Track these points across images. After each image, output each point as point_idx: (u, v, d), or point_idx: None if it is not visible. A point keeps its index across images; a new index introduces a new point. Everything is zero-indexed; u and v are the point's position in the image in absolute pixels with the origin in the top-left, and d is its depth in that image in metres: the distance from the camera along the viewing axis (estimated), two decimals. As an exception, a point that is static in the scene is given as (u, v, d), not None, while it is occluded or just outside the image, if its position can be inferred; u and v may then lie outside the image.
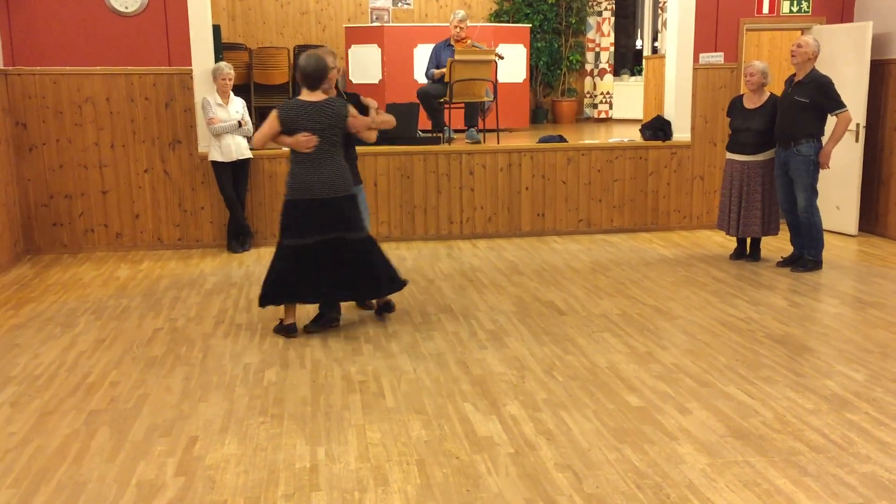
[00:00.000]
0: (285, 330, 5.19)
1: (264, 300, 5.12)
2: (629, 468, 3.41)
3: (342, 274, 5.08)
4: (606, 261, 7.21)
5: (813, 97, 6.46)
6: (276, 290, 5.07)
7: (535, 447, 3.62)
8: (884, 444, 3.60)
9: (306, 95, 5.00)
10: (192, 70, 7.59)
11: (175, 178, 7.77)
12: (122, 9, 7.45)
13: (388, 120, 5.56)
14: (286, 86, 10.83)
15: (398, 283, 5.37)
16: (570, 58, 13.14)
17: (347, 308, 5.64)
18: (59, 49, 7.42)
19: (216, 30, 8.60)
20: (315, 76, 4.97)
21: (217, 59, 7.91)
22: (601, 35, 13.26)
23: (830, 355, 4.74)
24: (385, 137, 8.29)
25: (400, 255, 7.50)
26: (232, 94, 7.53)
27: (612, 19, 13.32)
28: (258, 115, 8.96)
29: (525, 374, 4.51)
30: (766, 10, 8.43)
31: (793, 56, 6.61)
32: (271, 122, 4.97)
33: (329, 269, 5.04)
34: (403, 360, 4.73)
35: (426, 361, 4.72)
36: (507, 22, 12.58)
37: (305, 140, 4.92)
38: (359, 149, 8.07)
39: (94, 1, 7.42)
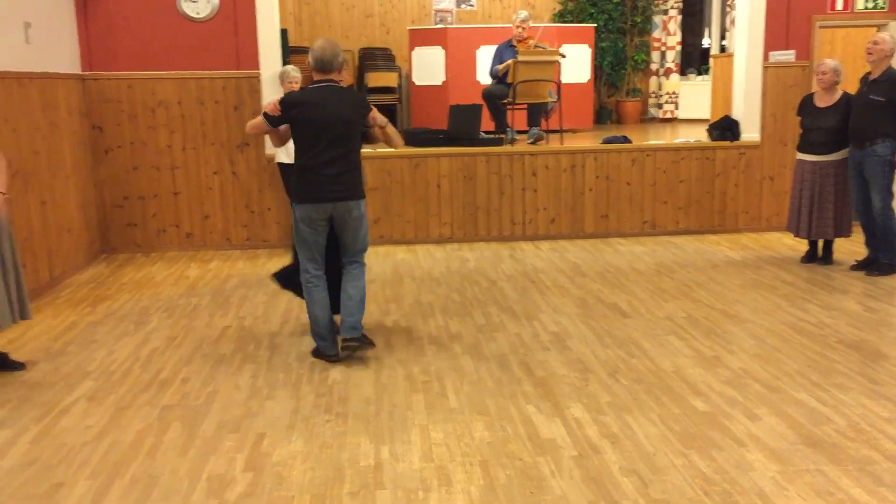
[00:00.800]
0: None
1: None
2: (696, 474, 3.36)
3: None
4: (671, 263, 7.10)
5: (889, 95, 6.26)
6: None
7: (599, 450, 3.59)
8: (965, 455, 3.47)
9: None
10: (260, 74, 7.75)
11: (243, 180, 7.94)
12: (193, 14, 7.65)
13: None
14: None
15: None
16: (636, 57, 12.99)
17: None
18: (133, 54, 7.66)
19: (283, 34, 8.76)
20: (327, 65, 4.62)
21: (284, 63, 8.06)
22: (667, 34, 13.08)
23: (908, 362, 4.58)
24: (448, 139, 8.35)
25: (463, 256, 7.52)
26: (298, 97, 7.64)
27: (679, 17, 13.12)
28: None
29: (588, 376, 4.48)
30: (839, 6, 8.20)
31: (868, 54, 6.41)
32: None
33: None
34: (466, 361, 4.75)
35: (488, 362, 4.72)
36: (571, 22, 12.49)
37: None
38: (422, 150, 8.18)
39: (166, 7, 7.64)
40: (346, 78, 4.73)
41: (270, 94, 7.63)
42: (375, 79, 11.42)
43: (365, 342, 4.82)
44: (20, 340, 5.24)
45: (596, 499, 3.18)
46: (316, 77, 4.63)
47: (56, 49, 7.06)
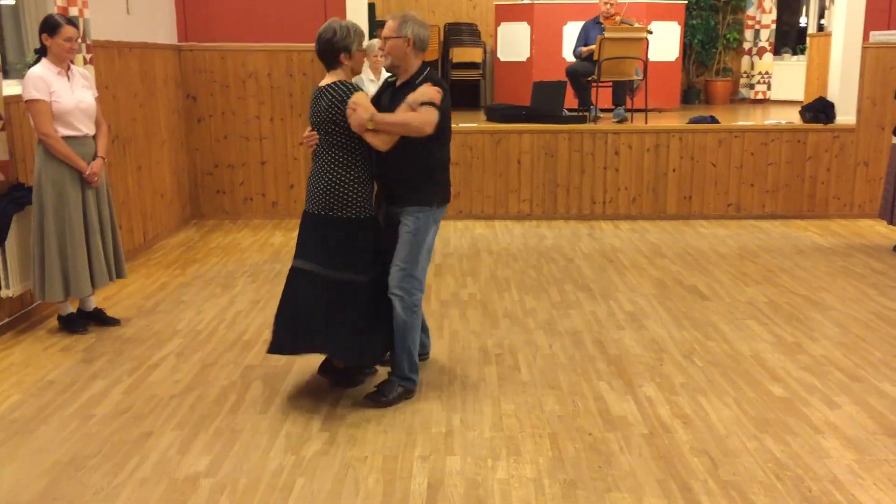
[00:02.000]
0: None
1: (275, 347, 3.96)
2: (769, 458, 3.32)
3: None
4: (755, 247, 6.94)
5: None
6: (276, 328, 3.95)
7: (670, 430, 3.58)
8: None
9: (326, 77, 3.83)
10: (347, 47, 7.86)
11: (327, 152, 8.09)
12: (284, -12, 7.81)
13: (402, 121, 3.66)
14: (436, 63, 11.01)
15: (359, 359, 4.00)
16: (728, 35, 12.62)
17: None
18: (226, 26, 7.88)
19: (371, 8, 8.86)
20: (319, 50, 3.76)
21: (371, 37, 8.16)
22: (762, 12, 12.64)
23: None
24: (531, 116, 8.33)
25: (541, 233, 7.52)
26: (384, 70, 7.74)
27: (775, -5, 12.66)
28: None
29: (663, 356, 4.45)
30: (949, -17, 7.79)
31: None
32: None
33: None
34: (539, 336, 4.78)
35: (562, 338, 4.74)
36: (662, -2, 12.20)
37: (306, 137, 3.89)
38: (504, 126, 8.17)
39: (259, -19, 7.83)
40: (356, 64, 3.79)
41: (356, 68, 7.74)
42: (460, 54, 11.43)
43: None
44: (115, 297, 5.51)
45: (664, 477, 3.19)
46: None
47: (155, 20, 7.33)
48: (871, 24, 7.87)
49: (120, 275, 5.00)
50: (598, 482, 3.14)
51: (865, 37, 7.90)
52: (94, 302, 5.01)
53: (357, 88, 3.67)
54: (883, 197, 6.75)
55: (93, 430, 3.60)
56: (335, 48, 3.71)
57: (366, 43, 7.79)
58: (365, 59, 7.65)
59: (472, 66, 11.48)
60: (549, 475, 3.20)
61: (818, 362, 4.36)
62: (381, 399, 3.83)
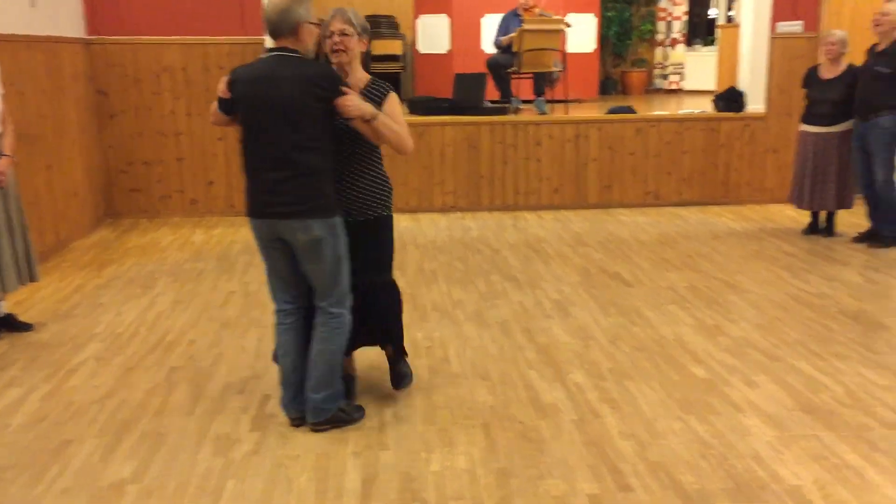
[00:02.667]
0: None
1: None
2: (694, 438, 3.42)
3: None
4: (674, 234, 7.13)
5: (895, 67, 6.24)
6: None
7: (599, 415, 3.65)
8: (960, 422, 3.52)
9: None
10: (264, 40, 7.72)
11: (247, 147, 7.94)
12: (198, -21, 7.61)
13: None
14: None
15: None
16: (642, 27, 12.91)
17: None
18: (138, 20, 7.63)
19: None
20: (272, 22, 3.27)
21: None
22: (673, 4, 12.98)
23: (906, 333, 4.63)
24: (453, 108, 8.34)
25: (466, 225, 7.55)
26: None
27: (686, -12, 13.01)
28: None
29: (590, 343, 4.53)
30: (848, -24, 8.13)
31: (876, 25, 6.39)
32: None
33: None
34: (469, 328, 4.80)
35: (491, 329, 4.77)
36: (578, -9, 12.39)
37: None
38: (426, 119, 8.18)
39: (171, -28, 7.61)
40: (307, 44, 3.33)
41: (275, 61, 7.62)
42: (380, 46, 11.37)
43: (342, 420, 3.56)
44: (28, 302, 5.29)
45: (595, 461, 3.24)
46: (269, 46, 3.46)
47: (61, 13, 7.04)
48: (777, 15, 8.16)
49: (32, 278, 4.79)
50: (531, 469, 3.18)
51: (772, 28, 8.18)
52: (4, 307, 4.79)
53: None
54: (792, 182, 7.02)
55: (9, 439, 3.44)
56: (287, 24, 3.26)
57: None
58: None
59: (392, 58, 11.44)
60: (482, 465, 3.22)
61: (737, 343, 4.50)
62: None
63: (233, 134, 7.91)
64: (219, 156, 7.92)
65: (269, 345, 4.54)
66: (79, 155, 7.21)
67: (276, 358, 3.68)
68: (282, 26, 3.24)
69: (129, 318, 5.01)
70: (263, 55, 3.42)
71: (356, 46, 3.44)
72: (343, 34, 3.39)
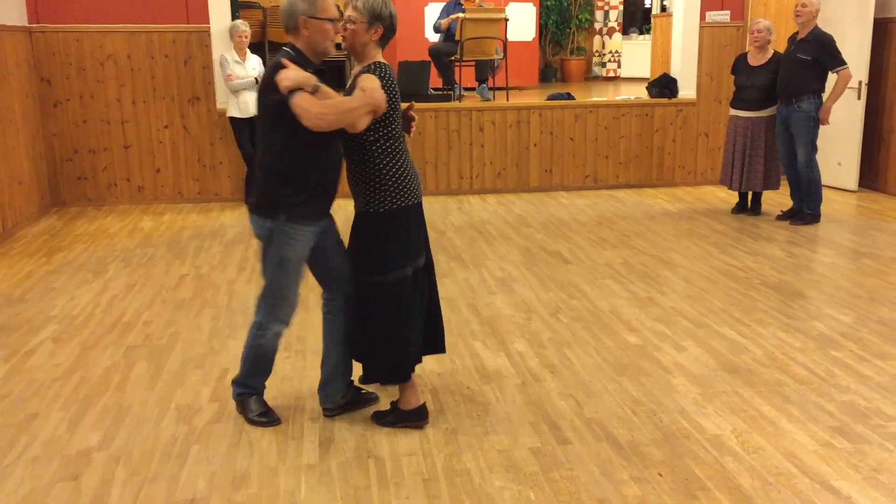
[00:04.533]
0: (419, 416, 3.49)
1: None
2: (626, 397, 3.71)
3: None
4: (612, 214, 7.46)
5: (815, 54, 6.64)
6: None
7: (540, 379, 3.91)
8: (864, 376, 3.88)
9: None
10: (209, 28, 7.80)
11: (194, 134, 8.02)
12: (141, -33, 7.64)
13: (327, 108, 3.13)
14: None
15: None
16: (580, 16, 13.24)
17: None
18: (81, 7, 7.63)
19: (232, -12, 8.77)
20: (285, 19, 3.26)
21: (234, 18, 8.11)
22: (611, -7, 13.33)
23: (821, 300, 5.00)
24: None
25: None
26: (249, 51, 7.74)
27: (622, -22, 13.38)
28: (273, 73, 9.15)
29: (532, 316, 4.80)
30: (772, -32, 8.54)
31: (797, 15, 6.77)
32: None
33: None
34: (417, 304, 5.01)
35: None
36: (518, -20, 12.66)
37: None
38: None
39: (114, -40, 7.62)
40: (311, 40, 3.26)
41: (220, 49, 7.71)
42: (324, 35, 11.45)
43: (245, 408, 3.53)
44: (-21, 288, 5.34)
45: (536, 419, 3.50)
46: None
47: (2, 1, 7.01)
48: (706, 5, 8.54)
49: (-15, 263, 4.86)
50: (478, 428, 3.42)
51: (702, 17, 8.56)
52: (-43, 293, 4.85)
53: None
54: (722, 164, 7.39)
55: (-27, 417, 3.56)
56: (291, 18, 3.22)
57: (229, 24, 7.77)
58: (230, 39, 7.64)
59: (336, 46, 11.52)
60: (432, 426, 3.45)
61: (667, 313, 4.82)
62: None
63: (179, 121, 8.00)
64: (165, 143, 7.98)
65: (223, 323, 4.71)
66: (23, 143, 7.21)
67: None
68: (286, 22, 3.22)
69: (83, 302, 5.10)
70: None
71: (362, 35, 3.23)
72: (350, 21, 3.23)
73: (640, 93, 9.37)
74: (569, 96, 8.83)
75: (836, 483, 2.98)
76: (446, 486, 3.00)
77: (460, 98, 8.86)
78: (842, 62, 6.64)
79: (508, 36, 9.16)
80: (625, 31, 13.83)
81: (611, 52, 13.47)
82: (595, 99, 9.06)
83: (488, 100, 8.83)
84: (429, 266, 3.52)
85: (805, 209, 6.97)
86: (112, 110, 7.86)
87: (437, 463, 3.15)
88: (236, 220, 7.32)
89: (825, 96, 6.74)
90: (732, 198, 7.77)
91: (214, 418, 3.53)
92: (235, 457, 3.22)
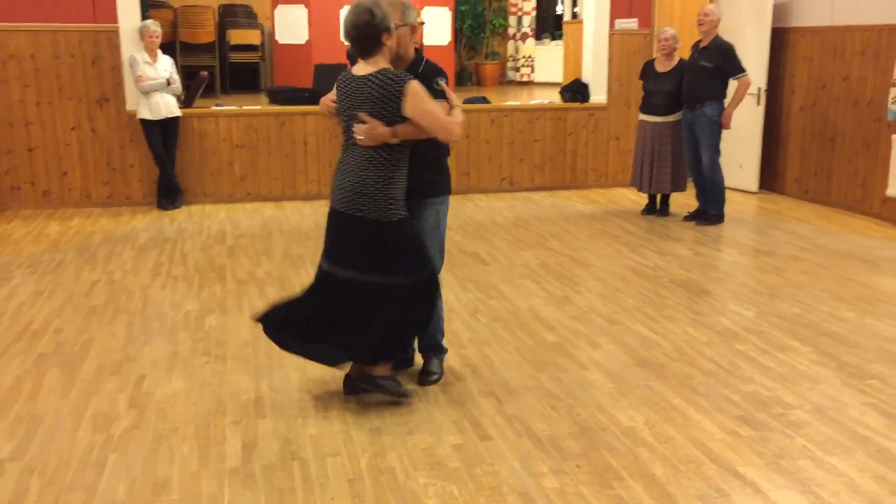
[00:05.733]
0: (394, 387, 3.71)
1: (263, 319, 3.69)
2: (545, 393, 3.81)
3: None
4: (528, 216, 7.61)
5: (716, 62, 6.94)
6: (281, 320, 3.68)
7: (461, 378, 3.98)
8: (766, 368, 4.10)
9: (358, 67, 3.51)
10: (118, 28, 7.60)
11: (103, 136, 7.80)
12: (45, -36, 7.39)
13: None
14: (212, 45, 10.83)
15: (394, 350, 3.76)
16: (494, 21, 13.44)
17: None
18: (-20, 4, 7.34)
19: (142, -13, 8.57)
20: (356, 37, 3.41)
21: (143, 18, 7.93)
22: (523, -1, 13.58)
23: (726, 296, 5.25)
24: (314, 98, 8.49)
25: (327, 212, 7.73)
26: (160, 52, 7.59)
27: (534, -16, 13.65)
28: (185, 75, 8.99)
29: (452, 316, 4.87)
30: (677, -22, 8.87)
31: (700, 24, 7.06)
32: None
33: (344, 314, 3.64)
34: (337, 306, 5.02)
35: (359, 307, 5.01)
36: (432, -15, 12.76)
37: (362, 129, 3.46)
38: (288, 108, 8.28)
39: (16, -45, 7.35)
40: (397, 42, 3.54)
41: (130, 50, 7.52)
42: (237, 36, 11.31)
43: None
44: None
45: (458, 417, 3.57)
46: None
47: None
48: (615, 12, 8.80)
49: None
50: (401, 427, 3.47)
51: (611, 24, 8.83)
52: None
53: (411, 77, 3.42)
54: (632, 167, 7.65)
55: None
56: (377, 30, 3.37)
57: (139, 24, 7.59)
58: (140, 40, 7.47)
59: (250, 48, 11.41)
60: (356, 426, 3.48)
61: (583, 311, 4.97)
62: (433, 377, 3.93)
63: (87, 124, 7.77)
64: (73, 146, 7.73)
65: (139, 329, 4.62)
66: (-81, 145, 6.88)
67: None
68: (365, 38, 3.47)
69: (-12, 310, 4.92)
70: None
71: (404, 39, 3.60)
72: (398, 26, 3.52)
73: (553, 97, 9.58)
74: (484, 100, 8.97)
75: (742, 469, 3.14)
76: (371, 485, 3.03)
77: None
78: (741, 70, 6.96)
79: (424, 40, 9.24)
80: (538, 37, 14.10)
81: (524, 56, 13.72)
82: (510, 103, 9.23)
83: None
84: (353, 283, 3.58)
85: (710, 210, 7.27)
86: (15, 112, 7.57)
87: (362, 462, 3.19)
88: (148, 225, 7.16)
89: (727, 102, 7.06)
90: (642, 199, 8.04)
91: (132, 425, 3.47)
92: (155, 463, 3.17)
